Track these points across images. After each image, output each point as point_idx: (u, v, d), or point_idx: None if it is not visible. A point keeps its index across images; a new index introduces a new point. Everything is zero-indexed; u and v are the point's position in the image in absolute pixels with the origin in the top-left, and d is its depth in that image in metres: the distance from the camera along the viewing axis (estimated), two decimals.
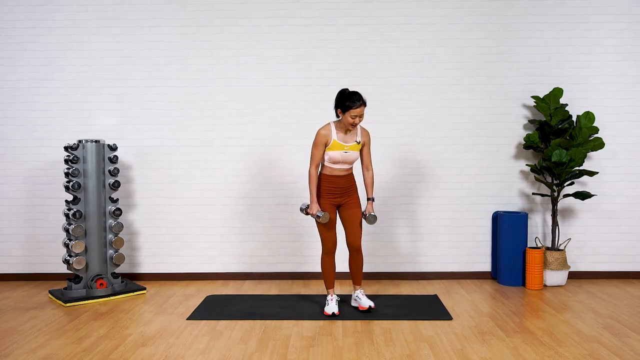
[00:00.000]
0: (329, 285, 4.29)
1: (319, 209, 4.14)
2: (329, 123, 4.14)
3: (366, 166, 4.29)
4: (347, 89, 4.07)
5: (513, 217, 5.00)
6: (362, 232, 4.31)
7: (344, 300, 4.53)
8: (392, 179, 5.28)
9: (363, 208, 4.42)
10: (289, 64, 5.26)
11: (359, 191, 4.32)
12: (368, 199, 4.30)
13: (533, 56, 5.24)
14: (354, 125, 4.03)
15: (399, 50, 5.25)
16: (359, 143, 4.14)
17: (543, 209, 5.30)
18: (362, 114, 4.00)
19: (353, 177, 4.26)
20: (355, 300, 4.34)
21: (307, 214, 4.23)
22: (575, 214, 5.30)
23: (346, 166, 4.17)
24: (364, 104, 3.98)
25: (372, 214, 4.23)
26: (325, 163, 4.17)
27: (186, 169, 5.31)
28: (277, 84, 5.27)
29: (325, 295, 4.58)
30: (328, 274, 4.27)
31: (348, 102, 3.96)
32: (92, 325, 4.01)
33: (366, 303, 4.23)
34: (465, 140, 5.28)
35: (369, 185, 4.31)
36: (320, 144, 4.09)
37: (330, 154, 4.09)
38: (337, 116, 4.11)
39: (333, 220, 4.20)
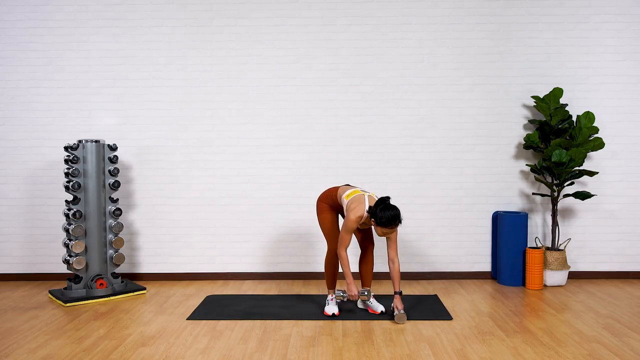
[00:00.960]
0: (330, 286, 4.28)
1: (359, 288, 4.07)
2: (364, 208, 3.92)
3: (392, 259, 4.04)
4: (388, 200, 3.86)
5: (513, 217, 5.00)
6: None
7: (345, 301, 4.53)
8: (392, 179, 5.28)
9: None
10: (289, 64, 5.26)
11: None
12: (395, 293, 4.07)
13: (533, 56, 5.24)
14: (379, 235, 3.93)
15: (399, 50, 5.25)
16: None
17: (543, 209, 5.30)
18: (394, 231, 3.90)
19: None
20: (365, 302, 4.34)
21: (348, 299, 4.07)
22: (575, 214, 5.30)
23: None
24: (399, 224, 3.87)
25: (402, 312, 3.98)
26: (339, 202, 4.17)
27: (186, 169, 5.31)
28: (277, 84, 5.27)
29: (326, 295, 4.58)
30: (331, 274, 4.26)
31: (385, 220, 3.81)
32: (92, 325, 4.00)
33: (378, 308, 4.21)
34: (465, 140, 5.28)
35: (396, 278, 4.05)
36: (353, 230, 3.98)
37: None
38: (370, 216, 3.91)
39: (336, 220, 4.22)
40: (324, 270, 4.77)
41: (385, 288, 4.97)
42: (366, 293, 4.03)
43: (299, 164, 5.28)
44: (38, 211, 5.32)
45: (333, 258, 4.22)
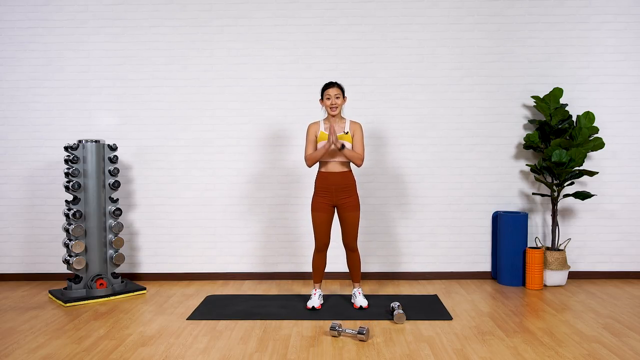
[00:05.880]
0: (316, 280, 4.40)
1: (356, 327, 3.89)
2: (318, 120, 4.41)
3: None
4: None
5: (513, 217, 5.00)
6: (359, 232, 4.34)
7: (347, 300, 4.53)
8: (392, 179, 5.28)
9: (363, 213, 4.41)
10: (289, 64, 5.26)
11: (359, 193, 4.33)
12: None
13: (533, 56, 5.24)
14: (333, 108, 4.17)
15: (399, 50, 5.25)
16: (347, 133, 4.20)
17: (543, 209, 5.30)
18: (338, 95, 4.17)
19: (351, 175, 4.25)
20: (352, 296, 4.45)
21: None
22: (575, 214, 5.30)
23: (338, 158, 4.20)
24: (334, 84, 4.20)
25: (401, 312, 3.98)
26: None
27: (186, 169, 5.31)
28: (277, 84, 5.27)
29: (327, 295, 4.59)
30: (316, 269, 4.37)
31: (323, 87, 4.24)
32: (92, 325, 4.00)
33: (358, 302, 4.33)
34: (465, 140, 5.28)
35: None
36: (310, 135, 4.26)
37: (319, 145, 4.19)
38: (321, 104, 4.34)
39: (327, 221, 4.24)
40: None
41: (376, 288, 4.97)
42: (364, 332, 3.68)
43: (299, 163, 5.28)
44: (38, 211, 5.32)
45: (317, 255, 4.32)
